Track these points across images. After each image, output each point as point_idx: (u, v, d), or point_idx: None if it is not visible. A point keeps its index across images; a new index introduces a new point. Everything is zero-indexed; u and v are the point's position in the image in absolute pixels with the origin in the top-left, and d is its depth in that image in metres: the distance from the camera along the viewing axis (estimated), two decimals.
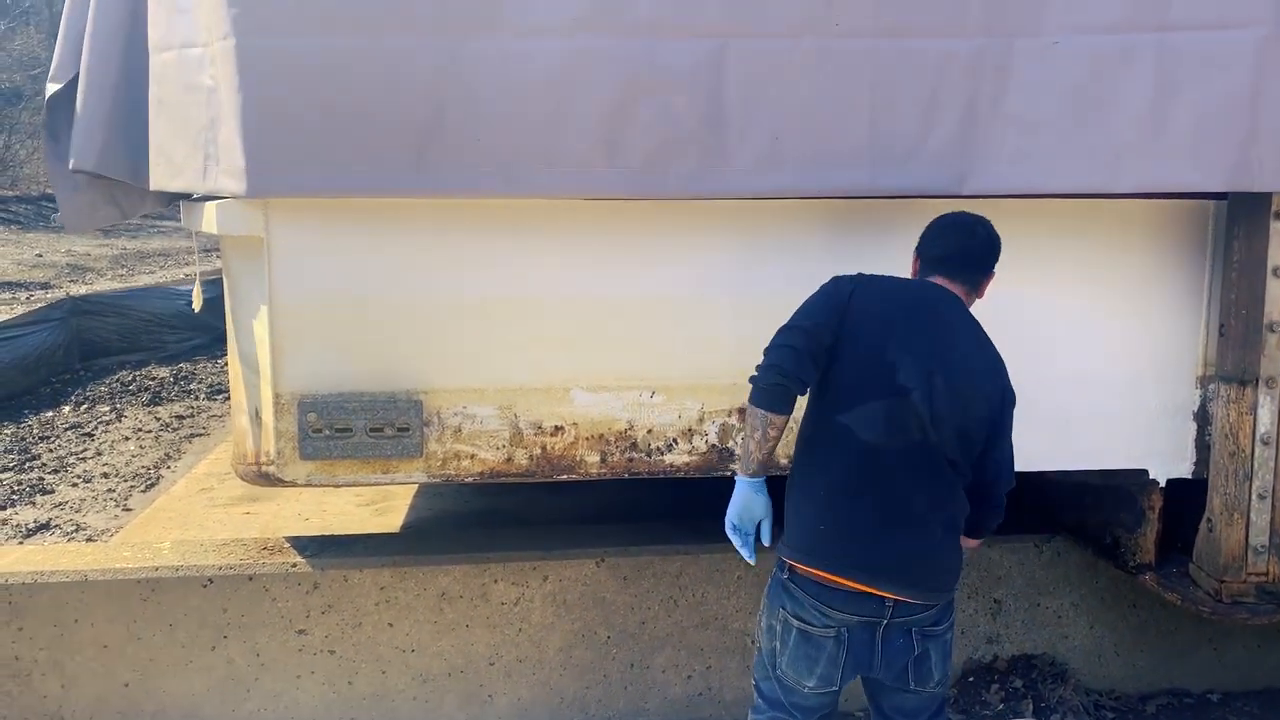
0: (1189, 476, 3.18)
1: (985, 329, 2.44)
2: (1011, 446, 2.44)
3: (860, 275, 2.42)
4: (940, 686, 2.45)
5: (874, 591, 2.26)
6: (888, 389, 2.26)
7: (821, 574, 2.29)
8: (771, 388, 2.30)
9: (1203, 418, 3.14)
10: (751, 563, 2.42)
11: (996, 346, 2.42)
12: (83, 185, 3.41)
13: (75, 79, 3.21)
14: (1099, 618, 3.64)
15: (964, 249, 2.48)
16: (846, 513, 2.28)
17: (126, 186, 3.34)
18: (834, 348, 2.31)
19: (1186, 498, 3.18)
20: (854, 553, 2.27)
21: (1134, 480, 3.21)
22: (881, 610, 2.29)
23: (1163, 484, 3.20)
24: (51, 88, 3.31)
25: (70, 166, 3.23)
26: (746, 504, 2.38)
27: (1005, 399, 2.38)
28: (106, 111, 3.15)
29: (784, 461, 2.78)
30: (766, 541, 2.41)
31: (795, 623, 2.35)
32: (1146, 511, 3.25)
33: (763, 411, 2.31)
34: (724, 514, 2.43)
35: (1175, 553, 3.29)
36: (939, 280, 2.46)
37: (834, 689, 2.39)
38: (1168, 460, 3.17)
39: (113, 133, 3.17)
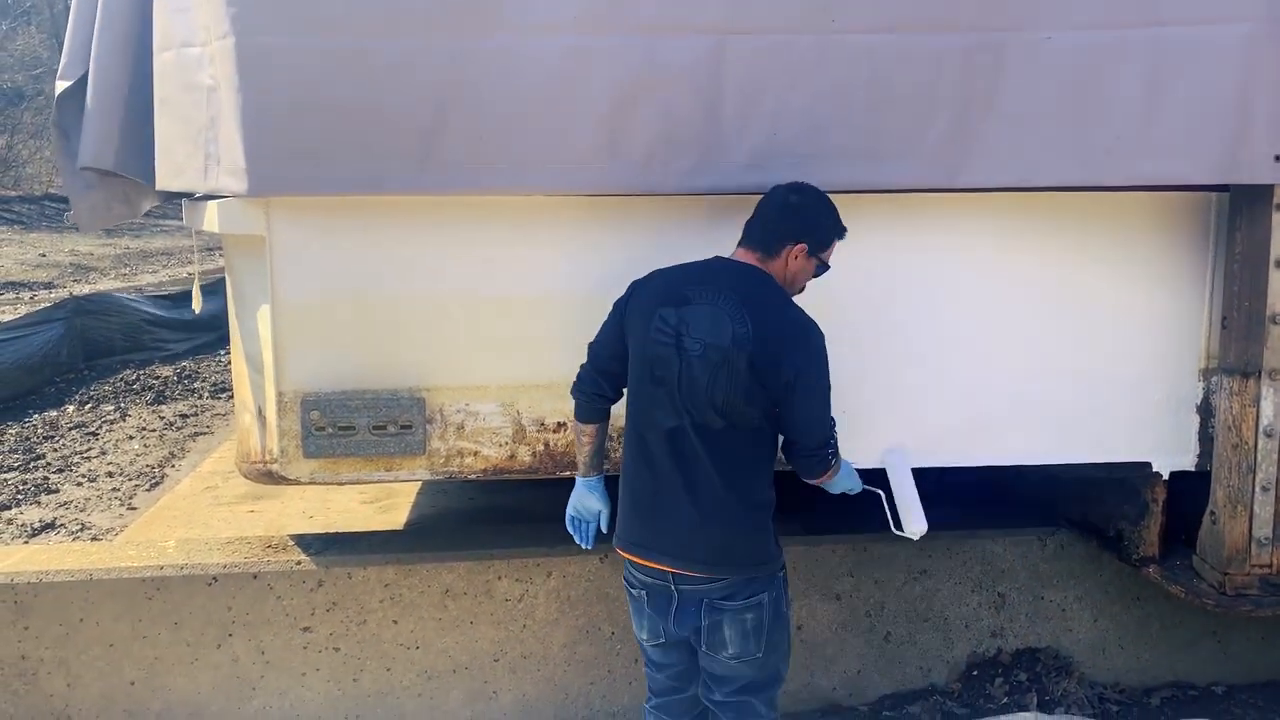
0: (1192, 469, 3.17)
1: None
2: (815, 406, 2.42)
3: (643, 277, 2.55)
4: (740, 662, 2.48)
5: (653, 565, 2.47)
6: (649, 378, 2.43)
7: (620, 551, 2.55)
8: (577, 404, 2.63)
9: (1206, 410, 3.13)
10: (585, 548, 2.73)
11: (797, 313, 2.43)
12: (94, 183, 3.41)
13: (85, 77, 3.21)
14: (1103, 611, 3.64)
15: (758, 214, 2.53)
16: (631, 497, 2.52)
17: (137, 184, 3.35)
18: (626, 353, 2.51)
19: (1190, 490, 3.18)
20: (634, 531, 2.51)
21: (1137, 473, 3.21)
22: (662, 576, 2.47)
23: (1166, 477, 3.19)
24: (61, 85, 3.31)
25: (80, 164, 3.23)
26: (581, 500, 2.71)
27: (786, 362, 2.35)
28: (116, 110, 3.15)
29: None
30: (604, 529, 2.69)
31: (625, 584, 2.62)
32: (1150, 504, 3.24)
33: (574, 421, 2.67)
34: None
35: (1179, 545, 3.29)
36: (738, 251, 2.53)
37: (662, 641, 2.56)
38: (1171, 453, 3.17)
39: (123, 131, 3.16)
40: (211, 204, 2.95)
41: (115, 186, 3.45)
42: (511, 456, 2.99)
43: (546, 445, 2.99)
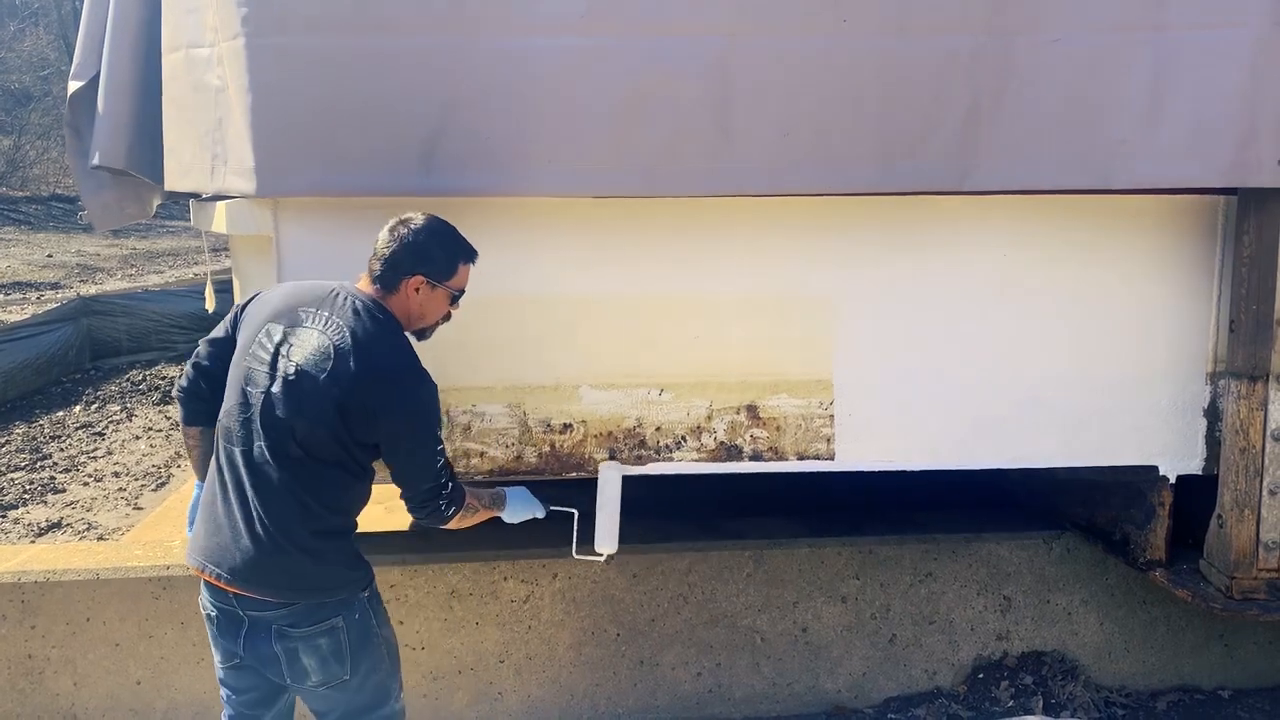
0: (1199, 473, 3.17)
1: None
2: (413, 460, 2.36)
3: (267, 289, 2.50)
4: (329, 689, 2.40)
5: (219, 585, 2.33)
6: (238, 393, 2.34)
7: (190, 567, 2.40)
8: (178, 403, 2.56)
9: (1213, 414, 3.13)
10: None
11: (406, 363, 2.36)
12: (107, 183, 3.42)
13: (97, 76, 3.22)
14: (1109, 614, 3.64)
15: (375, 249, 2.42)
16: (206, 511, 2.40)
17: (148, 183, 3.36)
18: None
19: (1197, 494, 3.17)
20: (205, 548, 2.36)
21: (1144, 477, 3.20)
22: (229, 600, 2.34)
23: (1173, 480, 3.18)
24: (74, 85, 3.31)
25: (91, 164, 3.23)
26: (195, 508, 2.56)
27: (380, 414, 2.29)
28: (128, 109, 3.16)
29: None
30: None
31: (200, 602, 2.46)
32: (1156, 508, 3.24)
33: (180, 424, 2.59)
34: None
35: (1186, 549, 3.28)
36: (361, 280, 2.45)
37: (236, 663, 2.42)
38: (1178, 456, 3.16)
39: (135, 130, 3.17)
40: (219, 204, 2.95)
41: (128, 186, 3.46)
42: (518, 458, 2.99)
43: (553, 446, 2.99)
